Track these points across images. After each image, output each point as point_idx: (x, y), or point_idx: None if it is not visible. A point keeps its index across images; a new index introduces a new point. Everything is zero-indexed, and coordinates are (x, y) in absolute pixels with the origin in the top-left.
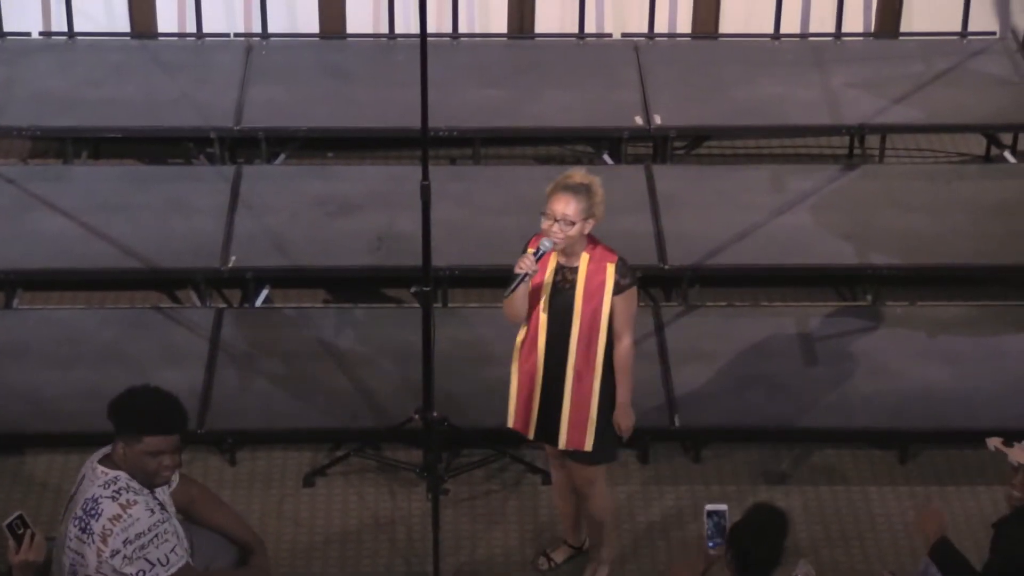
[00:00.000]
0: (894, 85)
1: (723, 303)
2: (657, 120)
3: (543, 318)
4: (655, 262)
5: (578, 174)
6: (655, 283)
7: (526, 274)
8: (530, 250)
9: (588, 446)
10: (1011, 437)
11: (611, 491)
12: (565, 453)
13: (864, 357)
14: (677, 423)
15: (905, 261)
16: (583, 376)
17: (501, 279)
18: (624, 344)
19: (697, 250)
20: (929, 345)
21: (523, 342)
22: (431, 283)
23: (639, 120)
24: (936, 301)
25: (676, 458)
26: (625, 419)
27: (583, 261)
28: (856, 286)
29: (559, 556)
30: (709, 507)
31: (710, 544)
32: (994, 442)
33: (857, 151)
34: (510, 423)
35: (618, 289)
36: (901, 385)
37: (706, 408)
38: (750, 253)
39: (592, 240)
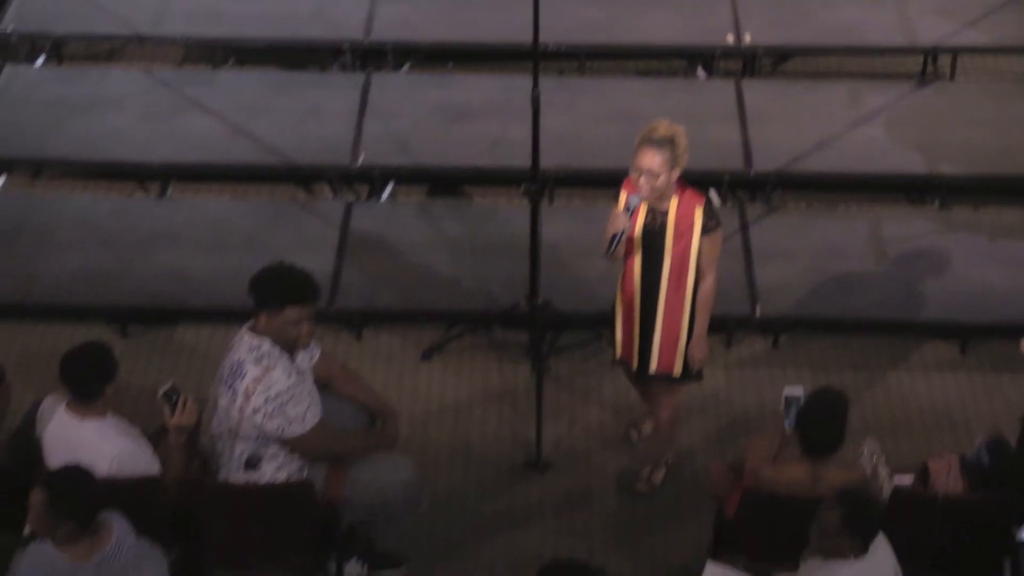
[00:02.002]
0: (965, 10)
1: (803, 206)
2: (747, 39)
3: (638, 258)
4: (742, 168)
5: (662, 126)
6: (741, 187)
7: (622, 231)
8: (623, 194)
9: (677, 371)
10: None
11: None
12: (653, 378)
13: (930, 257)
14: (758, 313)
15: (970, 171)
16: (673, 308)
17: (602, 180)
18: (708, 281)
19: (780, 157)
20: (990, 248)
21: (622, 279)
22: (539, 183)
23: (730, 38)
24: (998, 208)
25: (756, 344)
26: (700, 351)
27: (673, 204)
28: (925, 193)
29: (647, 427)
30: (787, 390)
31: (786, 423)
32: None
33: (930, 70)
34: (617, 355)
35: (705, 230)
36: (963, 283)
37: (785, 300)
38: (828, 161)
39: (680, 184)
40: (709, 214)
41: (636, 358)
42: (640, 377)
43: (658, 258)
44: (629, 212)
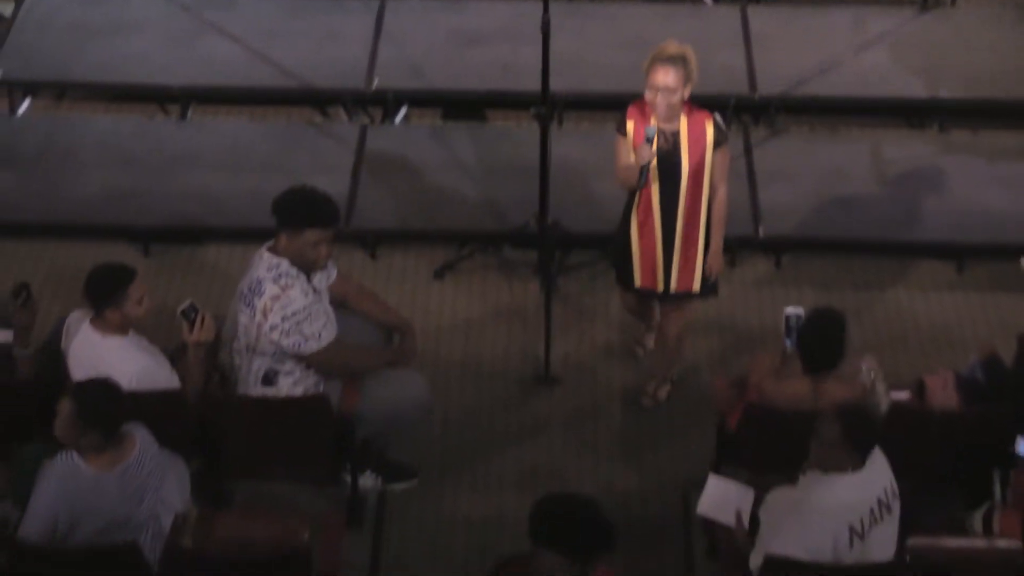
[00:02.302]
0: None
1: (806, 129)
2: None
3: (655, 182)
4: (746, 91)
5: (672, 45)
6: (746, 110)
7: (648, 163)
8: (629, 124)
9: (696, 287)
10: None
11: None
12: (672, 297)
13: (929, 179)
14: (761, 233)
15: (970, 95)
16: (691, 224)
17: (610, 104)
18: (721, 194)
19: (784, 81)
20: (988, 170)
21: (637, 205)
22: (549, 106)
23: None
24: (996, 131)
25: (760, 265)
26: (717, 264)
27: (683, 123)
28: (925, 117)
29: (650, 342)
30: (788, 310)
31: (787, 342)
32: None
33: None
34: (637, 283)
35: (717, 144)
36: (961, 204)
37: (787, 221)
38: (831, 85)
39: (687, 104)
40: (719, 128)
41: (660, 280)
42: (662, 298)
43: (675, 178)
44: (650, 142)
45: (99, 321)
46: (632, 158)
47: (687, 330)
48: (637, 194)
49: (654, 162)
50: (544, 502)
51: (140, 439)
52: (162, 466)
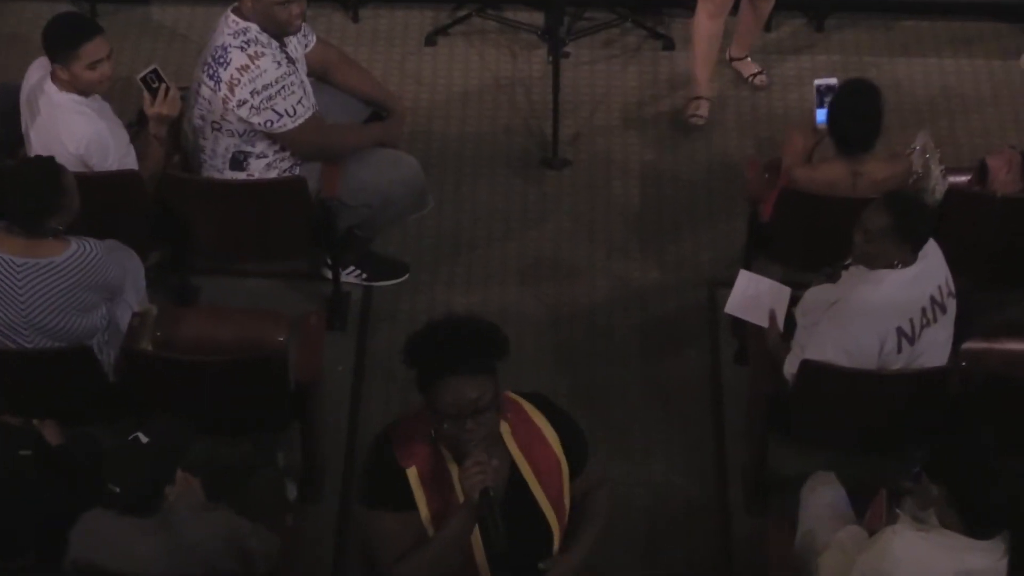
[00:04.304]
0: None
1: None
2: None
3: None
4: None
5: None
6: None
7: None
8: None
9: None
10: None
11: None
12: None
13: None
14: None
15: None
16: None
17: None
18: None
19: None
20: None
21: None
22: None
23: None
24: None
25: (799, 28)
26: None
27: None
28: None
29: (705, 109)
30: (819, 80)
31: (818, 117)
32: None
33: None
34: None
35: None
36: None
37: None
38: None
39: None
40: None
41: None
42: None
43: None
44: None
45: (56, 75)
46: None
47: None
48: None
49: None
50: (437, 327)
51: (78, 251)
52: (102, 284)
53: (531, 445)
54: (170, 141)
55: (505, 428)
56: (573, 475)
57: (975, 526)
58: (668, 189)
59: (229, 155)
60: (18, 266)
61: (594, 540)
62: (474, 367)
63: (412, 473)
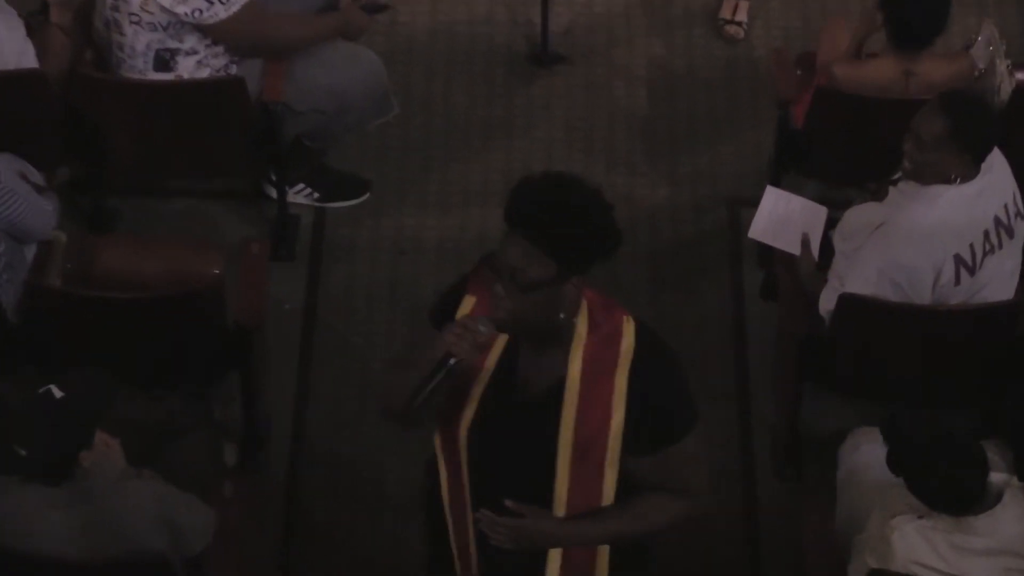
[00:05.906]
0: None
1: None
2: None
3: None
4: None
5: None
6: None
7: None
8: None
9: None
10: None
11: None
12: None
13: None
14: None
15: None
16: None
17: None
18: None
19: None
20: None
21: None
22: None
23: None
24: None
25: None
26: None
27: None
28: None
29: (743, 12)
30: None
31: None
32: None
33: None
34: None
35: None
36: None
37: None
38: None
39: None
40: None
41: None
42: None
43: None
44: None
45: None
46: None
47: None
48: None
49: None
50: (530, 179)
51: None
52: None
53: (595, 377)
54: (79, 32)
55: (579, 337)
56: (636, 450)
57: None
58: (681, 90)
59: (152, 53)
60: None
61: (613, 534)
62: (535, 237)
63: (468, 301)
